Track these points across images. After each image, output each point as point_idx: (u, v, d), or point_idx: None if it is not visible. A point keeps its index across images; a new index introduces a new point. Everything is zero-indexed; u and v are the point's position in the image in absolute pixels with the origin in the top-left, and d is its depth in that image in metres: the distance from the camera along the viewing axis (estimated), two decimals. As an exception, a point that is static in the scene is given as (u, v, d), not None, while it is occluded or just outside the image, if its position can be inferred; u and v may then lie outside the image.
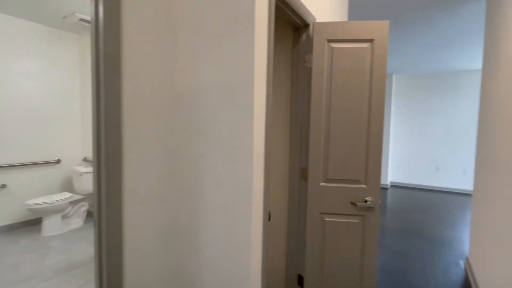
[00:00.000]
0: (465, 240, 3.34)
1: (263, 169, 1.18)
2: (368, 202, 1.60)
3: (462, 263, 2.80)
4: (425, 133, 6.04)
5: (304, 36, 1.66)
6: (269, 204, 1.25)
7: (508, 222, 1.56)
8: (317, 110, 1.60)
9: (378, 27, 1.54)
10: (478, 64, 4.98)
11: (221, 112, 1.14)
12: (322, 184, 1.64)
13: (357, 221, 1.63)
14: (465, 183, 5.70)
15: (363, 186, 1.62)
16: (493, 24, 2.22)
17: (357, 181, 1.62)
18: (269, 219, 1.30)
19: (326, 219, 1.65)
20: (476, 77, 5.53)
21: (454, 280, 2.48)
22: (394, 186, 6.27)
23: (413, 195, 5.48)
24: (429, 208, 4.62)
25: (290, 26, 1.63)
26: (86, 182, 3.38)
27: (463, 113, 5.66)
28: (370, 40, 1.55)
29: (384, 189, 6.00)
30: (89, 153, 3.73)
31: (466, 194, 5.59)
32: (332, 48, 1.58)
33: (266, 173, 1.20)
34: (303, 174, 1.70)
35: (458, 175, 5.76)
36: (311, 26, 1.62)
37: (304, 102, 1.68)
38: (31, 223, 3.37)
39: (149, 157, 1.14)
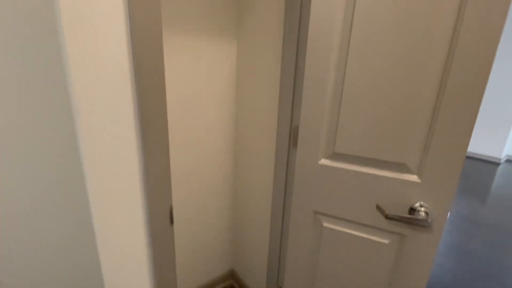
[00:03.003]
0: None
1: (137, 122, 0.52)
2: (420, 211, 0.74)
3: None
4: None
5: None
6: (169, 196, 0.61)
7: None
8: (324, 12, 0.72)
9: None
10: None
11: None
12: (323, 161, 0.84)
13: (386, 241, 0.82)
14: None
15: (414, 178, 0.75)
16: None
17: (400, 166, 0.75)
18: (172, 221, 0.68)
19: (325, 224, 0.89)
20: None
21: None
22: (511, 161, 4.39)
23: (544, 180, 3.68)
24: None
25: None
26: None
27: None
28: None
29: (495, 164, 4.26)
30: None
31: None
32: None
33: (146, 130, 0.53)
34: (295, 137, 0.93)
35: None
36: None
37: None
38: None
39: None
